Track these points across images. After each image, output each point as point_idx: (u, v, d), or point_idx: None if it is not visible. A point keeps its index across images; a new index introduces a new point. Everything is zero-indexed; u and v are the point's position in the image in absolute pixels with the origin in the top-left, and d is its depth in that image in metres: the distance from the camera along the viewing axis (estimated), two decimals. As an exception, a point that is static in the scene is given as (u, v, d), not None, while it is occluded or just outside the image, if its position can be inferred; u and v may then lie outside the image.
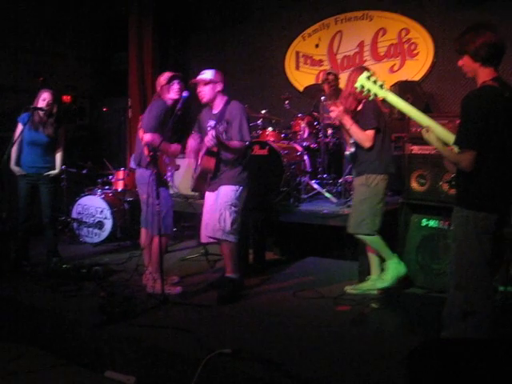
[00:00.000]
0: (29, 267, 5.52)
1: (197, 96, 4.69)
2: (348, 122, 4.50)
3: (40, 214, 5.66)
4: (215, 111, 4.69)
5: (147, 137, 4.59)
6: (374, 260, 4.79)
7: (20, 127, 5.46)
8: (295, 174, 6.01)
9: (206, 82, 4.59)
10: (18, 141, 5.45)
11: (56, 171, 5.60)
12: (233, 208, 4.57)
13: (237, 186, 4.61)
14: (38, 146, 5.53)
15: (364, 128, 4.48)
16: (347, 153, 4.68)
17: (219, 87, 4.63)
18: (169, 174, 4.87)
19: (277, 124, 6.80)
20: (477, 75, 3.11)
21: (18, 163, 5.54)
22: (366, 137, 4.47)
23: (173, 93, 4.78)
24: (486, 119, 2.95)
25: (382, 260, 4.72)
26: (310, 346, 3.64)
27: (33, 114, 5.47)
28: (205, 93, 4.61)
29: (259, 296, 4.80)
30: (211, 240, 4.79)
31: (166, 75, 4.84)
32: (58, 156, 5.64)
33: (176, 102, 4.74)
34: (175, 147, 4.86)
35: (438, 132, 3.12)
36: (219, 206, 4.57)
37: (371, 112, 4.48)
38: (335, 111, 4.55)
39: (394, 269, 4.63)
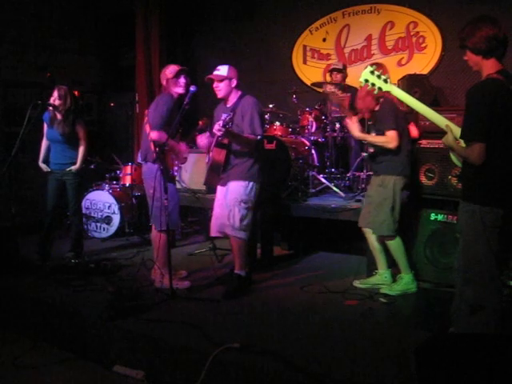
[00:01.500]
0: (40, 261, 5.59)
1: (206, 91, 4.69)
2: (361, 136, 4.53)
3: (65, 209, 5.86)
4: (229, 105, 4.70)
5: (153, 135, 4.60)
6: (379, 255, 4.80)
7: (45, 126, 5.67)
8: (303, 169, 6.01)
9: (222, 79, 4.59)
10: (44, 139, 5.74)
11: (76, 166, 5.63)
12: (242, 204, 4.56)
13: (246, 182, 4.59)
14: (55, 142, 5.64)
15: (383, 130, 4.46)
16: (365, 154, 4.68)
17: (234, 83, 4.64)
18: (175, 168, 4.85)
19: (284, 118, 6.79)
20: (481, 68, 3.10)
21: (46, 161, 5.73)
22: (386, 139, 4.44)
23: (179, 87, 4.77)
24: (490, 111, 2.93)
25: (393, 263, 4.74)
26: (318, 340, 3.64)
27: (48, 111, 5.61)
28: (220, 88, 4.62)
29: (267, 290, 4.81)
30: (220, 234, 4.80)
31: (171, 68, 4.82)
32: (80, 151, 5.68)
33: (182, 96, 4.74)
34: (182, 148, 4.85)
35: (436, 120, 3.16)
36: (228, 202, 4.58)
37: (389, 113, 4.45)
38: (350, 126, 4.57)
39: (406, 284, 4.64)
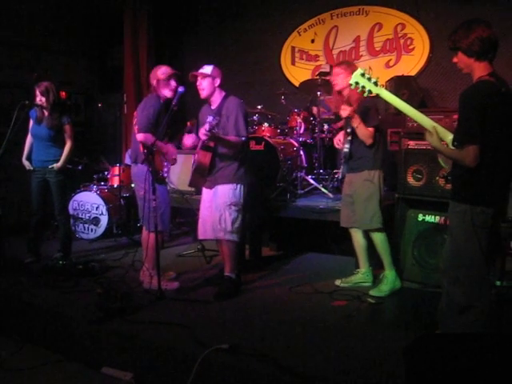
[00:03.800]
0: (31, 260, 5.61)
1: (194, 92, 4.69)
2: (356, 121, 4.49)
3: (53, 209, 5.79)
4: (213, 107, 4.68)
5: (140, 137, 4.60)
6: (362, 253, 4.87)
7: (31, 122, 5.61)
8: (291, 170, 6.02)
9: (205, 76, 4.58)
10: (29, 136, 5.68)
11: (58, 164, 5.55)
12: (233, 207, 4.55)
13: (234, 185, 4.58)
14: (40, 139, 5.56)
15: (367, 126, 4.51)
16: (346, 150, 4.67)
17: (217, 82, 4.62)
18: (165, 169, 4.84)
19: (273, 119, 6.79)
20: (472, 71, 3.11)
21: (29, 158, 5.66)
22: (369, 134, 4.51)
23: (169, 90, 4.76)
24: (483, 113, 2.94)
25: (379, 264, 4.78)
26: (306, 341, 3.64)
27: (35, 110, 5.56)
28: (203, 86, 4.60)
29: (255, 291, 4.81)
30: (209, 237, 4.78)
31: (164, 69, 4.80)
32: (65, 149, 5.62)
33: (169, 98, 4.73)
34: (171, 149, 4.84)
35: (423, 123, 3.17)
36: (218, 206, 4.56)
37: (374, 110, 4.54)
38: (346, 110, 4.52)
39: (392, 282, 4.67)
